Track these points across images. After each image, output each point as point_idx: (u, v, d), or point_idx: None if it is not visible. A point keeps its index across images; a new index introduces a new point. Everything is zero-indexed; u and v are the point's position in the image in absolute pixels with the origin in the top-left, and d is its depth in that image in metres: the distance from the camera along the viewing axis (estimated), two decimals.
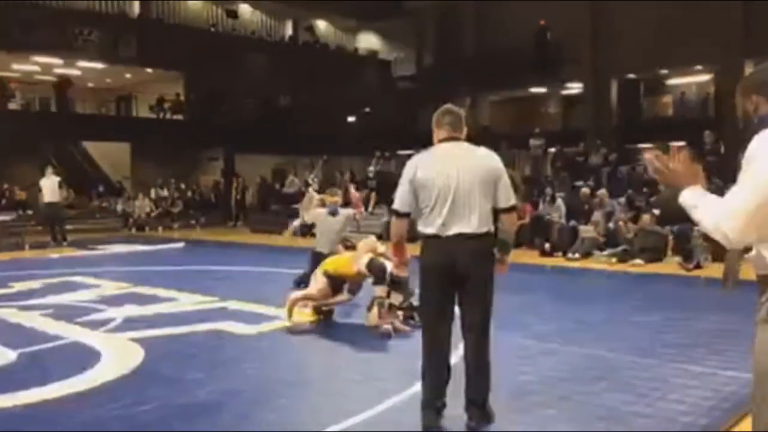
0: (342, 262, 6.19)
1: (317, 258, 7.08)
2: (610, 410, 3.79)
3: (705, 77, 21.95)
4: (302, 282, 7.27)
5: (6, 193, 19.69)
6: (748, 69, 19.51)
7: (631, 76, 22.57)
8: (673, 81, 23.03)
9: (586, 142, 17.15)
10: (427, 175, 3.45)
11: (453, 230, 3.39)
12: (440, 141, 3.58)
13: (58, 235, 14.86)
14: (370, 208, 17.30)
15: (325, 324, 6.27)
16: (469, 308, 3.49)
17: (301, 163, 22.30)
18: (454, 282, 3.44)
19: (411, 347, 5.15)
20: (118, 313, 6.87)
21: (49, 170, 15.07)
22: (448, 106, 3.68)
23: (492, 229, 3.49)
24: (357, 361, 5.14)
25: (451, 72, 25.59)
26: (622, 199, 13.23)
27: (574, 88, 24.11)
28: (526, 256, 11.69)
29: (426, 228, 3.48)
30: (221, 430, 3.69)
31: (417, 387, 4.01)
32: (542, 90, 25.23)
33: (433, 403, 3.46)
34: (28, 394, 4.28)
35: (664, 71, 22.05)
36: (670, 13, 19.13)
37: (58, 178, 15.07)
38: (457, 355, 3.66)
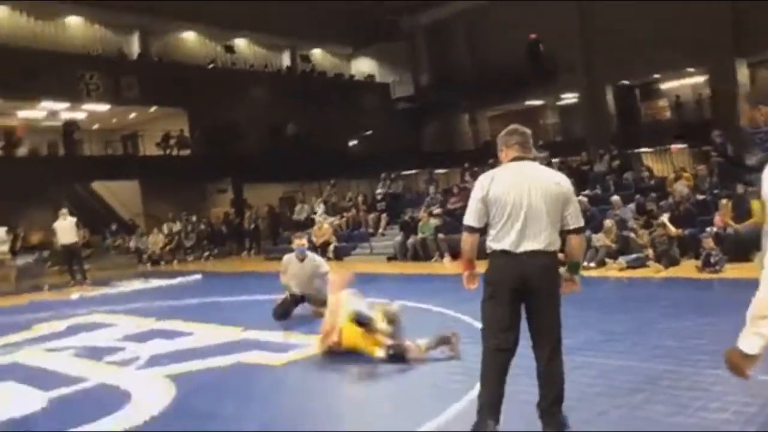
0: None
1: (293, 299, 7.92)
2: (651, 423, 3.76)
3: (699, 79, 22.11)
4: (284, 315, 7.82)
5: (21, 237, 19.82)
6: (741, 68, 19.73)
7: (626, 82, 22.74)
8: (667, 85, 23.19)
9: (588, 151, 17.20)
10: (500, 191, 3.52)
11: (524, 247, 3.46)
12: (511, 161, 3.65)
13: (77, 274, 14.93)
14: (381, 230, 17.37)
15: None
16: (541, 323, 3.54)
17: (309, 189, 22.43)
18: (523, 298, 3.51)
19: (438, 374, 5.17)
20: (144, 351, 6.85)
21: (64, 212, 15.16)
22: (515, 126, 3.74)
23: (558, 248, 3.56)
24: (387, 390, 5.11)
25: (448, 90, 25.86)
26: (632, 205, 13.25)
27: (570, 98, 24.29)
28: None
29: (497, 244, 3.54)
30: None
31: (450, 413, 4.08)
32: (539, 102, 25.41)
33: (488, 412, 3.47)
34: None
35: (658, 75, 22.21)
36: (659, 17, 19.30)
37: (74, 219, 15.18)
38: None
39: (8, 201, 18.61)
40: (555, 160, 18.03)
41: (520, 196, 3.49)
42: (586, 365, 5.04)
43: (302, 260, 8.06)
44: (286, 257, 8.29)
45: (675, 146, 19.39)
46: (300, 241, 8.15)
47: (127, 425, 4.48)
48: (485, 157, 19.40)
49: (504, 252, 3.51)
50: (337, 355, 5.88)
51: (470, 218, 3.62)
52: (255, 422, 4.39)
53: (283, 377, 5.62)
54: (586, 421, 3.84)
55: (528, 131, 3.74)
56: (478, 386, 3.59)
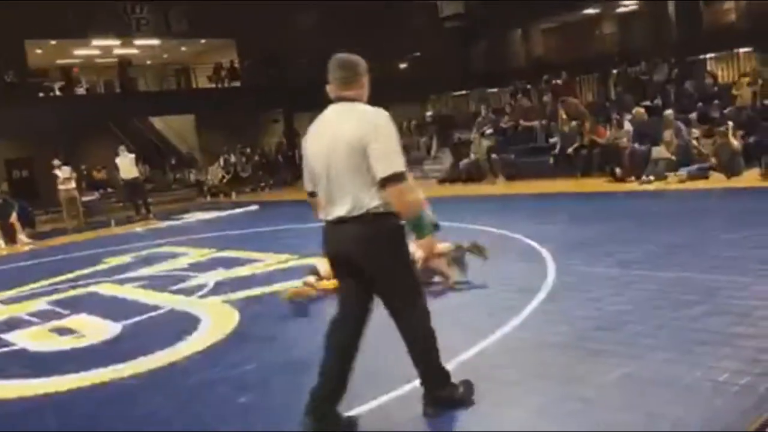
0: None
1: None
2: (712, 334, 3.69)
3: None
4: None
5: (85, 174, 20.57)
6: None
7: None
8: None
9: (647, 60, 16.41)
10: (308, 150, 3.03)
11: (334, 213, 2.93)
12: (332, 102, 3.03)
13: (141, 209, 15.46)
14: (433, 152, 17.24)
15: None
16: (383, 299, 3.08)
17: None
18: (352, 271, 2.98)
19: (492, 298, 5.18)
20: (209, 279, 7.10)
21: (122, 148, 15.58)
22: (340, 56, 3.10)
23: (380, 207, 2.85)
24: (447, 310, 5.13)
25: (499, 4, 24.84)
26: (693, 115, 12.73)
27: (630, 5, 23.09)
28: (594, 184, 11.47)
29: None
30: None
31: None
32: (595, 11, 24.24)
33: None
34: (138, 362, 4.46)
35: None
36: None
37: (132, 155, 15.60)
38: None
39: (70, 139, 19.21)
40: (614, 72, 17.36)
41: (320, 152, 2.94)
42: (644, 279, 4.99)
43: None
44: None
45: (742, 50, 18.25)
46: None
47: (198, 348, 4.71)
48: (538, 74, 18.80)
49: (324, 221, 3.03)
50: None
51: (305, 180, 3.18)
52: (314, 345, 4.50)
53: None
54: (643, 333, 3.82)
55: (355, 60, 3.10)
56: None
